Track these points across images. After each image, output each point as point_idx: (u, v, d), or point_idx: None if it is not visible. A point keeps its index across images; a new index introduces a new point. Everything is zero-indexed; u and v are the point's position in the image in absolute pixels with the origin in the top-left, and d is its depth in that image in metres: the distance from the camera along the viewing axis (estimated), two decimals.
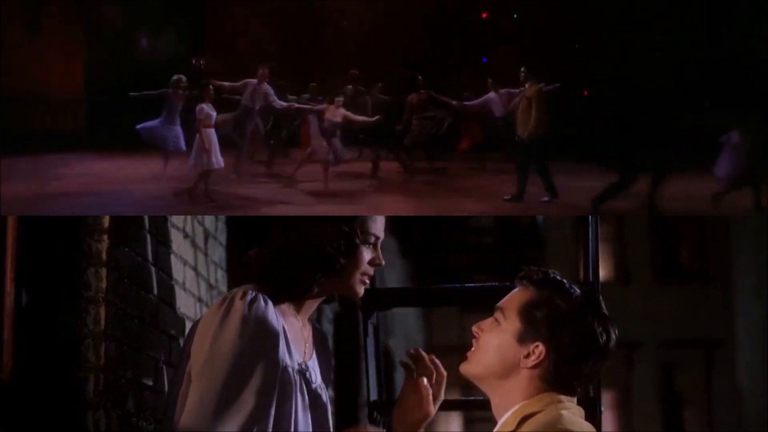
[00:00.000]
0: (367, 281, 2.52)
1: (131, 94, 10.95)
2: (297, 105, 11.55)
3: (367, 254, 2.48)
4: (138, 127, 10.53)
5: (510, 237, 15.95)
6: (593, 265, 3.47)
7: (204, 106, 9.45)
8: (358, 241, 2.44)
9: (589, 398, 3.19)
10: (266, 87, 11.03)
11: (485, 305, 2.89)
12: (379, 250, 2.53)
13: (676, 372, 16.59)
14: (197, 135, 9.40)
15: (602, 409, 3.39)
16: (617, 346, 2.26)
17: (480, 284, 3.68)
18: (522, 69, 9.99)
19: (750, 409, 15.19)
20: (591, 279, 3.46)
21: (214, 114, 9.57)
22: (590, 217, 3.59)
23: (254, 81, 11.10)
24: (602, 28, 19.02)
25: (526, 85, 9.76)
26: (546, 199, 9.69)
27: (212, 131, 9.47)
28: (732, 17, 17.92)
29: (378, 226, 2.51)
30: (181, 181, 9.99)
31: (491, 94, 12.35)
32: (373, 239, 2.50)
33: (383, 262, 2.53)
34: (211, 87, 9.82)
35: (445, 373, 2.51)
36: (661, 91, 18.21)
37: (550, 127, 9.71)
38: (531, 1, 19.66)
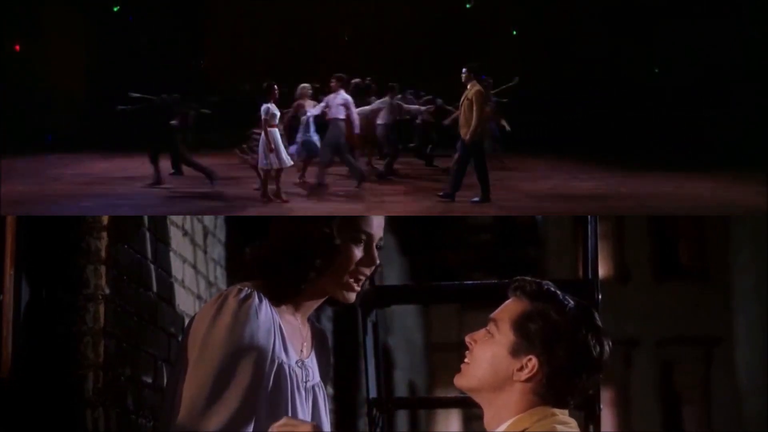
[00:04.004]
0: (360, 284, 2.43)
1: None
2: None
3: (357, 253, 2.40)
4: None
5: (509, 235, 15.95)
6: (592, 263, 3.47)
7: (269, 106, 9.55)
8: (337, 241, 2.36)
9: (588, 396, 3.18)
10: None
11: (484, 302, 2.90)
12: (374, 249, 2.42)
13: (675, 370, 16.57)
14: (261, 135, 9.50)
15: (601, 407, 3.39)
16: (616, 344, 2.24)
17: (479, 282, 3.68)
18: (463, 70, 9.91)
19: (749, 407, 15.17)
20: (590, 277, 3.46)
21: (278, 114, 9.69)
22: (589, 215, 3.59)
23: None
24: (601, 36, 19.08)
25: (468, 86, 9.73)
26: (476, 199, 9.66)
27: (276, 131, 9.57)
28: (732, 17, 17.94)
29: (371, 222, 2.42)
30: None
31: (386, 99, 12.36)
32: (364, 237, 2.40)
33: (377, 262, 2.43)
34: (275, 87, 9.90)
35: None
36: (661, 92, 18.28)
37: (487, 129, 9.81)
38: (531, 18, 19.72)
